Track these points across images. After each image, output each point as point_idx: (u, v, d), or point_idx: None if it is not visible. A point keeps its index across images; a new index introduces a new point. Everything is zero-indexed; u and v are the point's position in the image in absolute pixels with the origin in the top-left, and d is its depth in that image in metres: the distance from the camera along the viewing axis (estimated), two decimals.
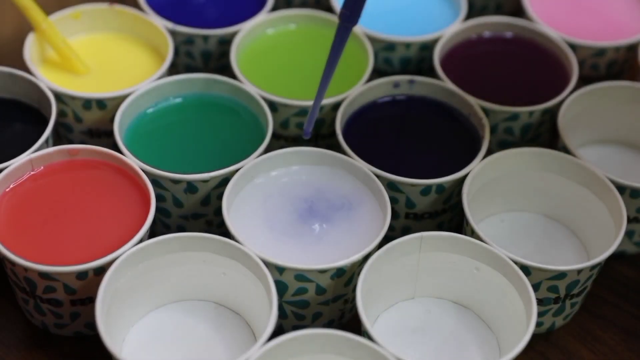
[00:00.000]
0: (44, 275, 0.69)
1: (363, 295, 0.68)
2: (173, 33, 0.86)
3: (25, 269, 0.69)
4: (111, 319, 0.67)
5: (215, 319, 0.73)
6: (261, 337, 0.65)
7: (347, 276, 0.72)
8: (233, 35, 0.86)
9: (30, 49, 0.82)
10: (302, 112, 0.81)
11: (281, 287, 0.71)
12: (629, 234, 0.81)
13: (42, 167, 0.75)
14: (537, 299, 0.70)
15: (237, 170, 0.75)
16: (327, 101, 0.80)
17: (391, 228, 0.78)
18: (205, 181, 0.75)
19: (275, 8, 0.90)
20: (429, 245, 0.72)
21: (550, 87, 0.84)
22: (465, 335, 0.73)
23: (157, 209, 0.76)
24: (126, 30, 0.87)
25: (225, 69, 0.87)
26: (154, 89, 0.80)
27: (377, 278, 0.70)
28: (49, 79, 0.81)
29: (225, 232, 0.72)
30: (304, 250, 0.72)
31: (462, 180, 0.76)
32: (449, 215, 0.80)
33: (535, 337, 0.75)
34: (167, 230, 0.79)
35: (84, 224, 0.72)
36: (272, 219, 0.74)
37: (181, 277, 0.72)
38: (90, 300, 0.71)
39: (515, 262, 0.71)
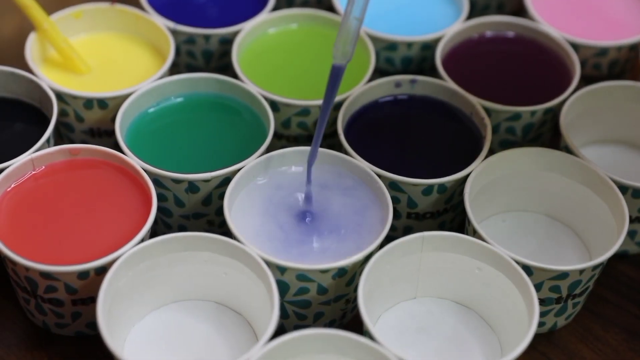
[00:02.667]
0: (45, 275, 0.69)
1: (365, 295, 0.67)
2: (174, 32, 0.86)
3: (27, 269, 0.69)
4: (112, 319, 0.67)
5: (217, 318, 0.73)
6: (263, 337, 0.65)
7: (348, 276, 0.72)
8: (234, 34, 0.86)
9: (32, 49, 0.82)
10: (304, 111, 0.81)
11: (283, 287, 0.71)
12: (630, 234, 0.81)
13: (43, 167, 0.75)
14: (539, 299, 0.71)
15: (238, 170, 0.75)
16: None
17: (393, 228, 0.78)
18: (206, 181, 0.75)
19: (276, 7, 0.90)
20: (430, 245, 0.72)
21: (552, 87, 0.84)
22: (467, 335, 0.73)
23: (159, 209, 0.76)
24: (127, 30, 0.87)
25: (227, 69, 0.87)
26: (155, 89, 0.80)
27: (379, 278, 0.70)
28: (51, 78, 0.81)
29: (226, 232, 0.72)
30: (305, 250, 0.72)
31: (463, 180, 0.76)
32: (451, 215, 0.80)
33: (537, 337, 0.75)
34: (169, 229, 0.79)
35: (85, 223, 0.72)
36: (274, 219, 0.74)
37: (182, 277, 0.72)
38: (92, 299, 0.71)
39: (517, 262, 0.71)
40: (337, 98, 0.81)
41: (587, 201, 0.78)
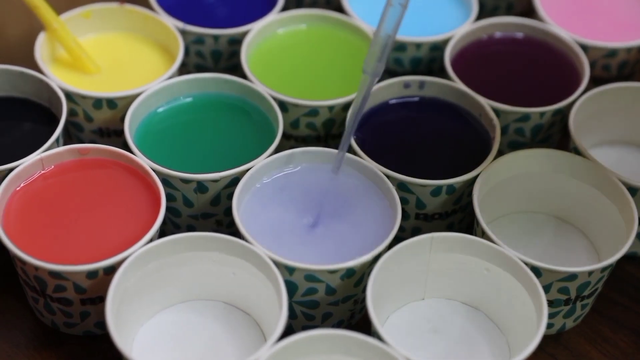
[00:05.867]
0: (54, 274, 0.69)
1: (373, 295, 0.67)
2: (183, 32, 0.86)
3: (36, 268, 0.69)
4: (121, 319, 0.67)
5: (225, 318, 0.73)
6: (271, 337, 0.65)
7: (357, 277, 0.72)
8: (243, 34, 0.86)
9: (41, 48, 0.82)
10: (313, 112, 0.81)
11: (291, 287, 0.71)
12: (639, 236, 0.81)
13: (52, 166, 0.75)
14: (547, 300, 0.70)
15: (247, 170, 0.75)
16: (337, 101, 0.80)
17: (401, 229, 0.78)
18: (215, 181, 0.75)
19: (285, 8, 0.90)
20: (439, 246, 0.72)
21: (561, 88, 0.84)
22: (476, 336, 0.73)
23: (167, 209, 0.76)
24: (136, 30, 0.87)
25: (236, 69, 0.87)
26: (164, 89, 0.80)
27: (387, 279, 0.70)
28: (60, 78, 0.81)
29: (235, 232, 0.72)
30: (314, 251, 0.72)
31: (472, 181, 0.76)
32: (459, 216, 0.80)
33: (545, 339, 0.74)
34: (177, 229, 0.79)
35: (94, 223, 0.72)
36: (282, 219, 0.74)
37: (191, 277, 0.72)
38: (100, 299, 0.71)
39: (526, 264, 0.70)
40: (346, 99, 0.81)
41: (596, 203, 0.78)
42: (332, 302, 0.72)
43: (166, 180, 0.75)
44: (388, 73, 0.88)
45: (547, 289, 0.72)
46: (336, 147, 0.78)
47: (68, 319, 0.73)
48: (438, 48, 0.87)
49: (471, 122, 0.81)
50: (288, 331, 0.71)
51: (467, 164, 0.77)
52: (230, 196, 0.75)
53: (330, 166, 0.76)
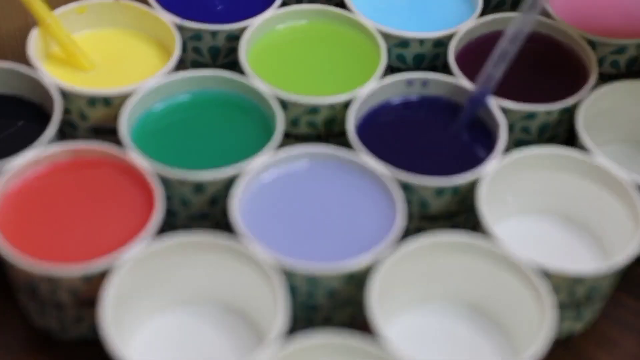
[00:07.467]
0: (47, 277, 0.68)
1: (374, 298, 0.67)
2: (180, 28, 0.85)
3: (28, 270, 0.68)
4: (116, 322, 0.67)
5: (223, 321, 0.72)
6: (269, 340, 0.65)
7: (358, 279, 0.71)
8: (242, 30, 0.85)
9: (34, 45, 0.82)
10: (313, 109, 0.80)
11: (291, 290, 0.70)
12: None
13: (46, 166, 0.75)
14: (554, 303, 0.70)
15: (246, 170, 0.74)
16: (338, 98, 0.80)
17: (404, 230, 0.77)
18: (214, 180, 0.74)
19: (285, 3, 0.90)
20: (442, 248, 0.71)
21: (568, 85, 0.83)
22: (480, 340, 0.72)
23: (164, 209, 0.75)
24: (132, 26, 0.86)
25: (234, 65, 0.86)
26: (160, 86, 0.80)
27: (389, 281, 0.69)
28: (53, 75, 0.81)
29: (233, 233, 0.71)
30: (314, 253, 0.71)
31: (477, 181, 0.75)
32: (464, 217, 0.79)
33: (553, 344, 0.74)
34: (174, 230, 0.78)
35: (88, 224, 0.72)
36: (282, 220, 0.73)
37: (188, 279, 0.72)
38: (95, 302, 0.70)
39: (532, 266, 0.70)
40: (347, 96, 0.80)
41: (604, 203, 0.77)
42: (333, 305, 0.72)
43: (163, 180, 0.74)
44: (390, 69, 0.87)
45: (554, 291, 0.71)
46: (337, 146, 0.77)
47: (61, 323, 0.72)
48: (442, 44, 0.87)
49: (476, 121, 0.80)
50: (287, 335, 0.70)
51: (472, 163, 0.76)
52: (228, 196, 0.74)
53: (334, 166, 0.76)
